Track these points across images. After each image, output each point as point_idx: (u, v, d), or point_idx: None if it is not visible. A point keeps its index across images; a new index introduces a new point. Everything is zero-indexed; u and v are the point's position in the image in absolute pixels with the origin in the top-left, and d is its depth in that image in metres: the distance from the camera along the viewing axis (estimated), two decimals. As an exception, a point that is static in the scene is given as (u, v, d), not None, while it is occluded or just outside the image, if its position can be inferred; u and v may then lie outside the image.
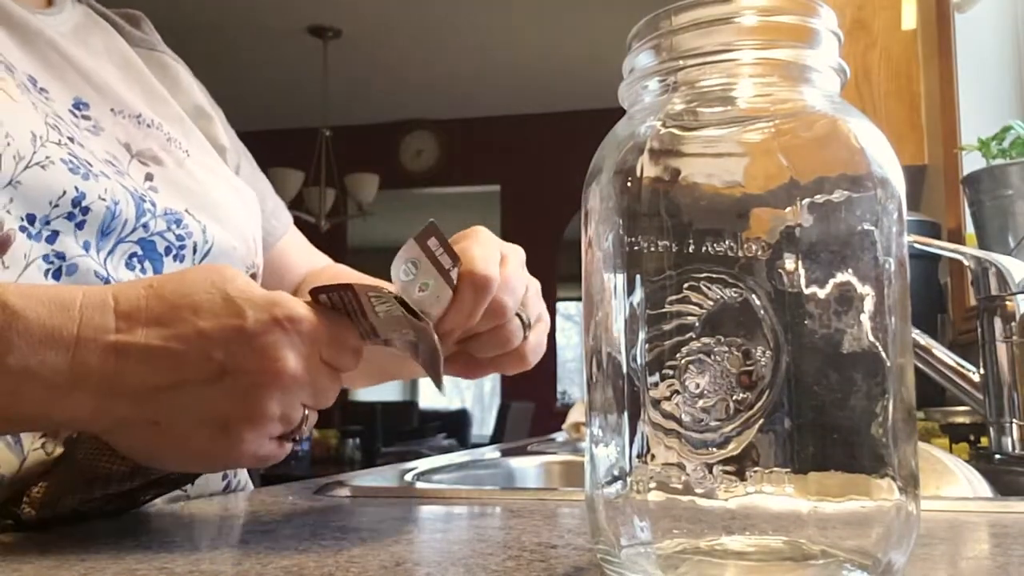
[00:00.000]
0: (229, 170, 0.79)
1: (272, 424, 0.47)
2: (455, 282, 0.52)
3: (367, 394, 6.53)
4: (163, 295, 0.47)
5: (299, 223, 0.95)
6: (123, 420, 0.47)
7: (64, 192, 0.57)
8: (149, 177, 0.67)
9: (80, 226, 0.58)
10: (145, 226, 0.62)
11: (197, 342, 0.46)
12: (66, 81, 0.67)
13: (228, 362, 0.46)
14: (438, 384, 0.52)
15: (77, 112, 0.66)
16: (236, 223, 0.72)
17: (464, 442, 6.03)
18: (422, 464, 0.87)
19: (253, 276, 0.74)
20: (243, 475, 0.77)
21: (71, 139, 0.60)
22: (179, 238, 0.65)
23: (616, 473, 0.34)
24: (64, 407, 0.46)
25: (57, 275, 0.57)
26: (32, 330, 0.45)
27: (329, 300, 0.49)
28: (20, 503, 0.51)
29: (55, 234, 0.57)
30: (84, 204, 0.58)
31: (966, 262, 0.89)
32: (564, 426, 1.42)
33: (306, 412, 0.49)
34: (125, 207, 0.61)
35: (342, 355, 0.50)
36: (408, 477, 0.77)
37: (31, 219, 0.56)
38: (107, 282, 0.59)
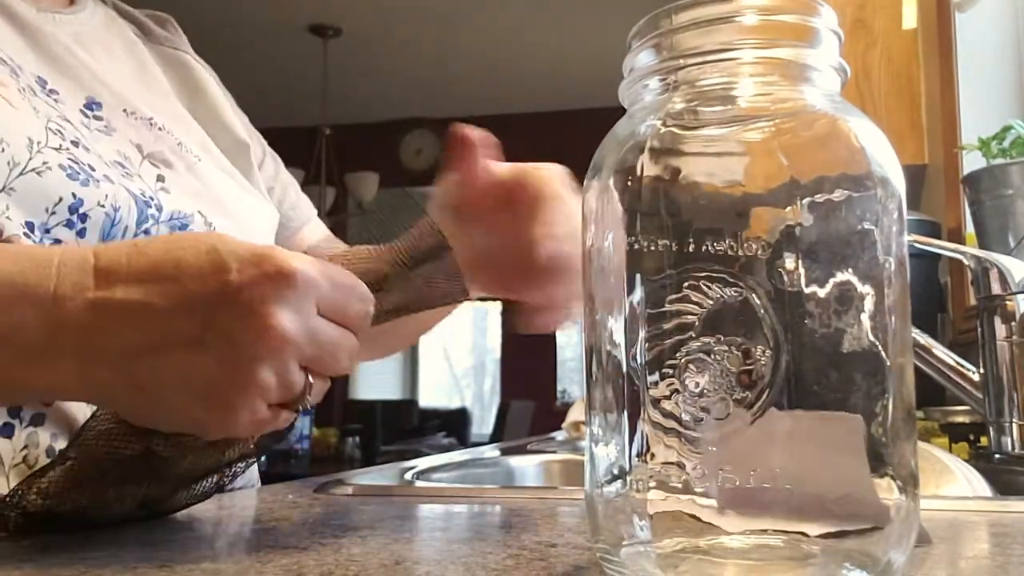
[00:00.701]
0: (244, 180, 0.79)
1: (267, 392, 0.43)
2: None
3: (367, 392, 6.52)
4: (147, 252, 0.45)
5: (299, 221, 0.96)
6: (107, 386, 0.44)
7: (60, 199, 0.57)
8: (161, 179, 0.67)
9: (81, 234, 0.58)
10: (146, 232, 0.62)
11: (178, 298, 0.43)
12: (79, 81, 0.67)
13: (211, 321, 0.43)
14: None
15: (89, 113, 0.66)
16: (250, 223, 0.72)
17: (464, 441, 6.02)
18: (422, 463, 0.87)
19: None
20: (251, 473, 0.77)
21: (75, 143, 0.60)
22: None
23: (616, 472, 0.34)
24: (43, 371, 0.44)
25: None
26: (6, 287, 0.43)
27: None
28: (25, 495, 0.50)
29: (57, 243, 0.57)
30: (82, 211, 0.58)
31: (966, 262, 0.89)
32: (564, 425, 1.42)
33: (309, 378, 0.45)
34: (126, 213, 0.60)
35: (349, 308, 0.46)
36: (408, 476, 0.77)
37: (30, 226, 0.56)
38: None
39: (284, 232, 0.86)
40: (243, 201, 0.74)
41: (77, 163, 0.59)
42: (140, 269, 0.44)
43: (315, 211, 0.94)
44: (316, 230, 0.92)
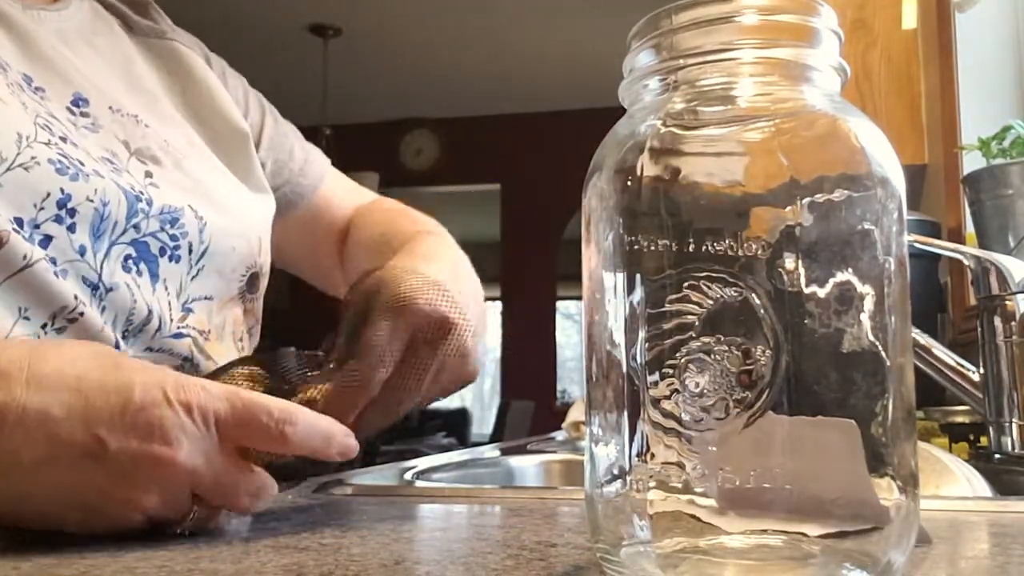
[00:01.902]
0: (233, 176, 0.78)
1: (149, 510, 0.44)
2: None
3: (367, 393, 6.51)
4: (47, 359, 0.44)
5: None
6: None
7: (48, 194, 0.57)
8: (149, 175, 0.66)
9: (71, 229, 0.58)
10: (136, 227, 0.62)
11: (79, 411, 0.42)
12: (65, 79, 0.66)
13: (110, 438, 0.42)
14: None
15: (75, 110, 0.65)
16: (241, 217, 0.72)
17: (464, 441, 6.02)
18: (422, 463, 0.87)
19: (255, 275, 0.74)
20: None
21: (63, 138, 0.60)
22: (173, 238, 0.64)
23: (616, 472, 0.34)
24: None
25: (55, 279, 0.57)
26: None
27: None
28: None
29: (48, 238, 0.57)
30: (71, 206, 0.57)
31: (966, 262, 0.89)
32: (564, 425, 1.42)
33: (195, 509, 0.45)
34: (116, 208, 0.60)
35: (256, 429, 0.45)
36: (408, 475, 0.77)
37: (19, 222, 0.56)
38: (96, 288, 0.59)
39: (300, 201, 0.85)
40: (235, 195, 0.74)
41: (67, 158, 0.58)
42: (41, 375, 0.43)
43: (327, 160, 0.91)
44: (334, 184, 0.90)
